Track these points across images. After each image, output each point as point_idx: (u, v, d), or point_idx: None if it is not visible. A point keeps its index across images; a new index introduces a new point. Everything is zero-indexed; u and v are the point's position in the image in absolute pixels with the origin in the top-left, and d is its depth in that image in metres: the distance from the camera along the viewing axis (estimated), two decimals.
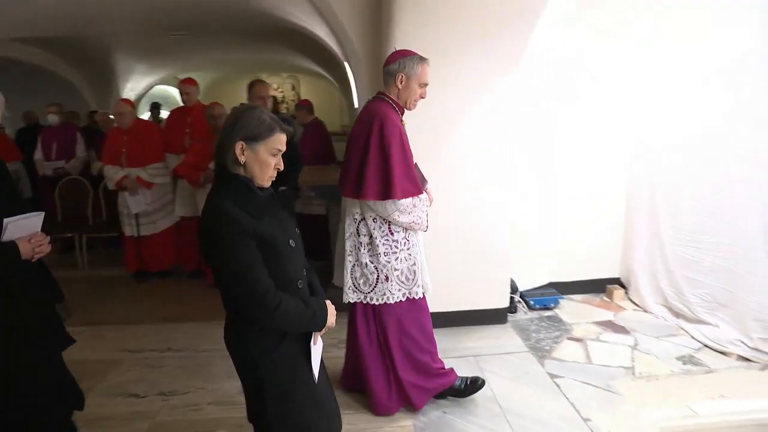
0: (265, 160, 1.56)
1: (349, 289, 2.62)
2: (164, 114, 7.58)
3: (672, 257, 3.74)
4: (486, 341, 3.48)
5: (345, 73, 5.16)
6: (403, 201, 2.44)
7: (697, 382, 3.10)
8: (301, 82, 13.80)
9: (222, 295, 1.61)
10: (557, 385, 2.95)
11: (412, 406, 2.71)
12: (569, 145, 4.02)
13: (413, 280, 2.62)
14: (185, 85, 4.79)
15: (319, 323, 1.67)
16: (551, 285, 4.14)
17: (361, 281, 2.60)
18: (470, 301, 3.67)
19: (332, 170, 4.77)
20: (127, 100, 4.95)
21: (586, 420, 2.64)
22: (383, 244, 2.54)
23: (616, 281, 4.31)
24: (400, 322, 2.65)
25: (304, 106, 5.63)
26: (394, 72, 2.50)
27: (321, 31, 4.82)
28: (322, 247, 4.56)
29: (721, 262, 3.40)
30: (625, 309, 4.02)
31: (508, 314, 3.79)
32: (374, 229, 2.54)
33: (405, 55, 2.51)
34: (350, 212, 2.60)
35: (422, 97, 2.58)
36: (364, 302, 2.62)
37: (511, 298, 3.83)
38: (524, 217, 3.93)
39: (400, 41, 3.03)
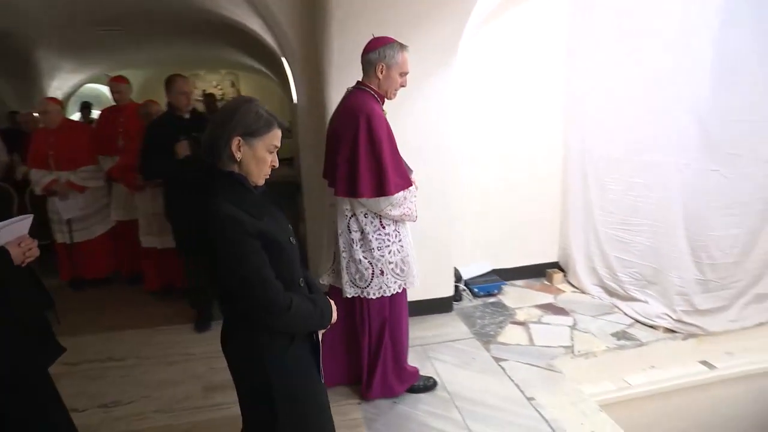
0: (263, 157, 1.50)
1: (347, 284, 2.60)
2: (96, 114, 7.22)
3: (605, 240, 3.93)
4: (433, 330, 3.55)
5: (284, 69, 5.09)
6: (396, 195, 2.43)
7: (630, 356, 3.30)
8: (241, 78, 13.49)
9: (224, 301, 1.57)
10: (502, 368, 3.06)
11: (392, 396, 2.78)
12: (505, 134, 4.13)
13: (407, 271, 2.62)
14: (116, 84, 4.59)
15: (326, 321, 1.64)
16: (494, 272, 4.26)
17: (357, 276, 2.58)
18: (416, 291, 3.71)
19: None
20: (53, 99, 4.68)
21: (530, 399, 2.75)
22: (376, 238, 2.53)
23: (555, 265, 4.49)
24: (393, 314, 2.69)
25: None
26: (374, 61, 2.43)
27: (257, 26, 4.72)
28: None
29: (648, 242, 3.61)
30: (564, 291, 4.20)
31: (454, 303, 3.87)
32: (366, 224, 2.52)
33: (384, 43, 2.42)
34: (340, 209, 2.56)
35: (403, 86, 2.53)
36: (362, 296, 2.61)
37: (456, 287, 3.92)
38: (466, 207, 4.02)
39: (337, 34, 3.02)
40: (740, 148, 3.22)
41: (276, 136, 1.52)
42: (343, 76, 3.19)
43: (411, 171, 2.61)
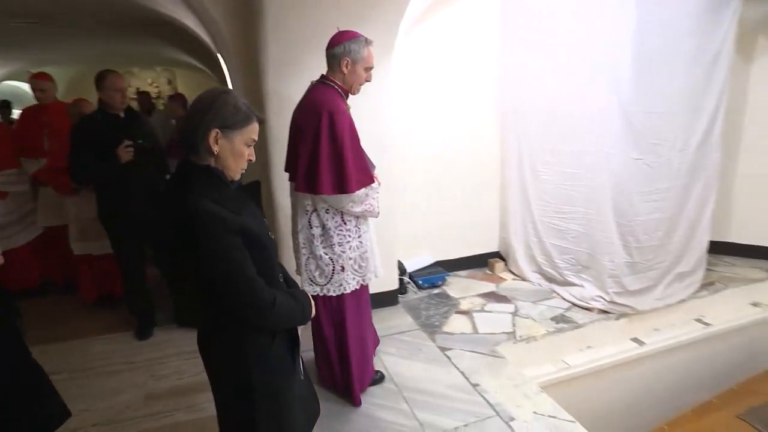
0: (240, 151, 1.47)
1: (305, 282, 2.56)
2: (17, 114, 6.76)
3: (542, 228, 4.09)
4: (379, 324, 3.56)
5: (221, 66, 4.97)
6: (357, 192, 2.41)
7: (568, 338, 3.46)
8: (178, 75, 13.02)
9: (205, 300, 1.52)
10: (448, 357, 3.13)
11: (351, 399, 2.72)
12: (444, 129, 4.20)
13: (366, 267, 2.61)
14: (39, 81, 4.29)
15: (307, 315, 1.63)
16: (437, 264, 4.35)
17: (317, 273, 2.54)
18: None
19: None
20: None
21: (475, 385, 2.84)
22: (337, 234, 2.50)
23: (497, 255, 4.63)
24: (357, 311, 2.67)
25: (177, 99, 5.36)
26: (339, 56, 2.39)
27: (191, 22, 4.58)
28: None
29: (581, 229, 3.79)
30: (505, 279, 4.34)
31: (399, 296, 3.92)
32: (327, 220, 2.49)
33: (349, 37, 2.40)
34: (301, 205, 2.52)
35: (368, 81, 2.51)
36: (321, 294, 2.56)
37: (401, 280, 3.97)
38: (407, 201, 4.07)
39: (272, 30, 2.98)
40: (660, 139, 3.44)
41: (254, 130, 1.49)
42: (280, 72, 3.16)
43: (374, 167, 2.60)
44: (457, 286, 4.22)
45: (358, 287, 2.62)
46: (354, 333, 2.67)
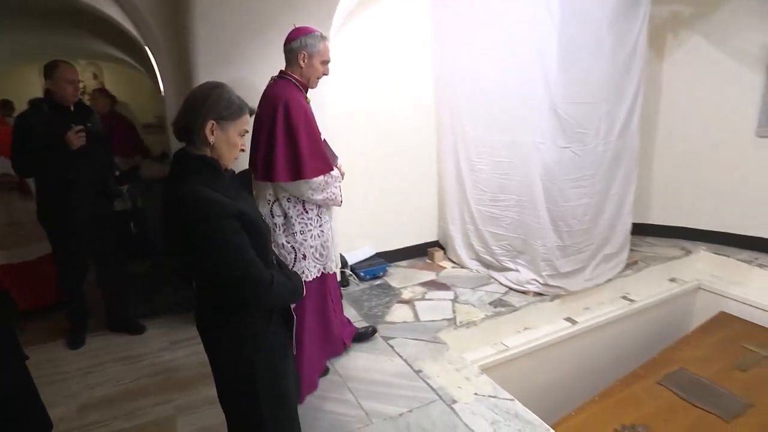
0: (234, 141, 1.56)
1: None
2: None
3: (478, 216, 4.22)
4: None
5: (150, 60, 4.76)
6: (316, 179, 2.47)
7: (506, 321, 3.59)
8: (104, 70, 12.30)
9: (201, 284, 1.62)
10: (391, 347, 3.18)
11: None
12: (381, 121, 4.24)
13: (326, 255, 2.67)
14: None
15: (300, 293, 1.72)
16: (378, 255, 4.39)
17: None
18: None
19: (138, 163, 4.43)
20: None
21: (418, 372, 2.90)
22: (299, 222, 2.56)
23: (436, 244, 4.74)
24: (317, 300, 2.71)
25: (103, 94, 5.12)
26: (296, 50, 2.49)
27: (114, 12, 4.36)
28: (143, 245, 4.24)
29: (515, 216, 3.93)
30: (445, 268, 4.45)
31: (342, 288, 3.90)
32: (289, 208, 2.55)
33: (305, 32, 2.49)
34: (262, 195, 2.57)
35: (325, 74, 2.60)
36: None
37: (343, 273, 3.99)
38: (346, 193, 4.06)
39: (200, 19, 2.90)
40: (585, 128, 3.62)
41: (246, 121, 1.59)
42: (210, 66, 3.08)
43: (336, 158, 2.71)
44: (399, 276, 4.29)
45: (318, 275, 2.67)
46: (311, 323, 2.71)
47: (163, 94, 3.63)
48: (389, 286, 4.08)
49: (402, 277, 4.27)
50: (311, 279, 2.63)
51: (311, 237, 2.60)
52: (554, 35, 3.39)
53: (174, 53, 3.33)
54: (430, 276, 4.27)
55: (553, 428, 2.46)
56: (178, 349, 3.29)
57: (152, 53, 3.77)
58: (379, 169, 4.30)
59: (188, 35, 3.05)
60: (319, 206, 2.63)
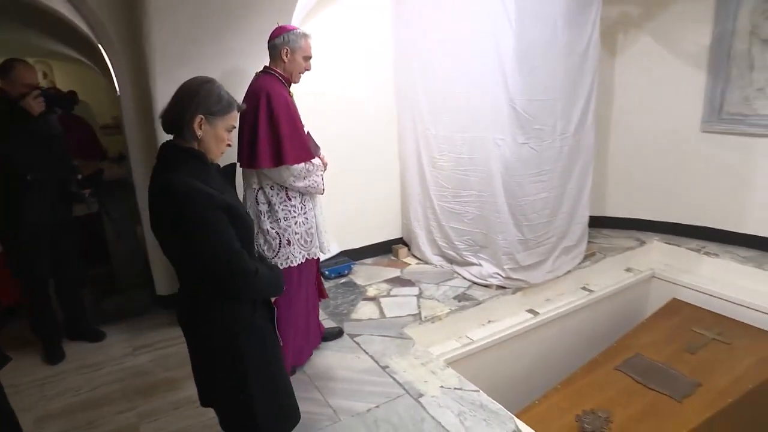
0: (221, 136, 1.60)
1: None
2: None
3: (441, 212, 4.27)
4: None
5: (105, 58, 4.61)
6: (297, 166, 2.59)
7: (470, 315, 3.66)
8: (55, 68, 11.81)
9: (187, 273, 1.63)
10: (357, 344, 3.20)
11: None
12: (343, 120, 4.22)
13: (311, 242, 2.79)
14: None
15: (281, 286, 1.75)
16: (343, 253, 4.40)
17: (265, 247, 2.68)
18: None
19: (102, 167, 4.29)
20: None
21: (384, 367, 2.93)
22: (282, 209, 2.67)
23: (400, 241, 4.77)
24: (302, 286, 2.80)
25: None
26: (279, 46, 2.63)
27: (61, 7, 4.19)
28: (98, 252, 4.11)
29: (477, 211, 4.00)
30: (409, 264, 4.49)
31: None
32: (272, 196, 2.66)
33: (288, 29, 2.64)
34: (248, 183, 2.72)
35: (307, 70, 2.75)
36: None
37: None
38: None
39: (155, 19, 2.83)
40: (543, 124, 3.71)
41: (234, 117, 1.64)
42: (167, 63, 3.02)
43: (318, 148, 2.82)
44: (364, 273, 4.30)
45: (303, 261, 2.77)
46: (300, 307, 2.81)
47: (118, 93, 3.53)
48: (354, 284, 4.09)
49: (367, 274, 4.28)
50: (296, 264, 2.73)
51: (295, 224, 2.70)
52: (511, 33, 3.46)
53: (128, 52, 3.24)
54: (394, 273, 4.30)
55: (517, 417, 2.53)
56: (140, 354, 3.21)
57: (106, 51, 3.65)
58: (342, 167, 4.27)
59: (144, 33, 2.97)
60: (302, 194, 2.73)
